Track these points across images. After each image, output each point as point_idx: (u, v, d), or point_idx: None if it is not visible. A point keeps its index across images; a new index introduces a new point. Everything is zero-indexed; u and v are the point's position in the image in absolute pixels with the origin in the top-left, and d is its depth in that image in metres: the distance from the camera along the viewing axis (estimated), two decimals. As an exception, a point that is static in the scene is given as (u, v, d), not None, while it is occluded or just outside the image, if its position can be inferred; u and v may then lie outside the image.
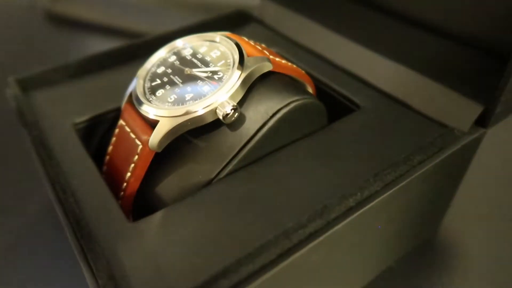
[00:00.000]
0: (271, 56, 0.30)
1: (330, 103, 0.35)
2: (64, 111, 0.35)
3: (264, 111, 0.29)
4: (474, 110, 0.30)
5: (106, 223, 0.25)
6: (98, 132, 0.35)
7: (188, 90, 0.28)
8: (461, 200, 0.38)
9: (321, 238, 0.24)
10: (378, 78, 0.35)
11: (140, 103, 0.28)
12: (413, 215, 0.32)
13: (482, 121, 0.30)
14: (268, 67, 0.29)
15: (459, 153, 0.30)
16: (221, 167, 0.28)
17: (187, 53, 0.31)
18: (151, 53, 0.32)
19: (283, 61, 0.32)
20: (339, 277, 0.31)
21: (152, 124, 0.28)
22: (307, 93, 0.31)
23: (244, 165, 0.28)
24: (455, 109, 0.31)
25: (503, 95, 0.29)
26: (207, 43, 0.31)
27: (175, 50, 0.32)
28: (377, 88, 0.35)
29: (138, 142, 0.28)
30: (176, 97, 0.28)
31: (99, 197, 0.27)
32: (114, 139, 0.31)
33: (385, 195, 0.26)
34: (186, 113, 0.27)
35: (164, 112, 0.27)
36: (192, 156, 0.29)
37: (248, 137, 0.28)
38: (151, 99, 0.29)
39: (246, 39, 0.32)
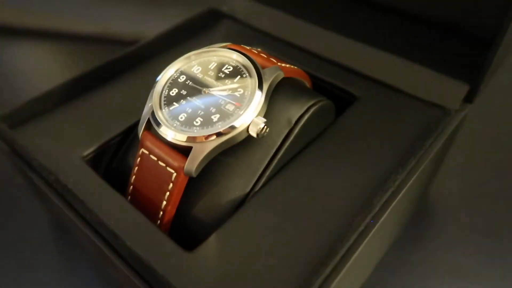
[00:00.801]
0: (274, 61, 0.31)
1: (328, 97, 0.37)
2: (66, 144, 0.33)
3: (286, 120, 0.30)
4: (461, 88, 0.34)
5: (165, 258, 0.25)
6: (104, 161, 0.34)
7: (213, 111, 0.28)
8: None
9: (372, 232, 0.26)
10: (366, 67, 0.38)
11: (165, 130, 0.28)
12: (420, 190, 0.36)
13: (468, 98, 0.34)
14: (281, 76, 0.30)
15: (455, 130, 0.34)
16: (255, 180, 0.29)
17: (196, 71, 0.31)
18: (135, 69, 0.32)
19: (283, 64, 0.33)
20: (370, 260, 0.34)
21: (180, 149, 0.28)
22: (317, 94, 0.32)
23: (274, 174, 0.30)
24: (444, 89, 0.35)
25: (487, 73, 0.32)
26: (214, 58, 0.31)
27: (182, 69, 0.31)
28: (367, 77, 0.37)
29: (171, 170, 0.28)
30: (202, 119, 0.28)
31: (145, 233, 0.27)
32: (136, 168, 0.30)
33: (411, 181, 0.29)
34: (219, 135, 0.27)
35: (195, 137, 0.27)
36: (223, 173, 0.29)
37: (275, 147, 0.29)
38: (175, 124, 0.28)
39: (247, 47, 0.32)
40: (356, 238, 0.26)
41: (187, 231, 0.29)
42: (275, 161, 0.29)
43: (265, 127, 0.27)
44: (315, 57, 0.40)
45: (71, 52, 0.64)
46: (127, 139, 0.34)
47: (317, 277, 0.23)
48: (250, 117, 0.27)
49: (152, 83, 0.31)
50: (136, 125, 0.34)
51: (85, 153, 0.32)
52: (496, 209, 0.40)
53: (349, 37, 0.40)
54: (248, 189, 0.29)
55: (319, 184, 0.29)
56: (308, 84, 0.35)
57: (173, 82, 0.31)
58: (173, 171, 0.28)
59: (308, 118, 0.30)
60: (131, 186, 0.31)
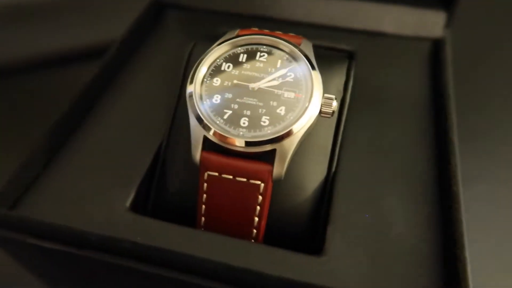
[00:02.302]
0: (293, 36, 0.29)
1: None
2: (97, 202, 0.27)
3: (336, 90, 0.29)
4: (441, 17, 0.37)
5: (307, 272, 0.23)
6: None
7: (275, 105, 0.25)
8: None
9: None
10: (347, 21, 0.38)
11: (236, 141, 0.24)
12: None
13: (447, 24, 0.37)
14: (312, 48, 0.28)
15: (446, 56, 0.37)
16: (328, 160, 0.28)
17: (227, 68, 0.27)
18: (110, 90, 0.29)
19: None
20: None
21: (253, 157, 0.25)
22: (338, 56, 0.32)
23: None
24: (425, 21, 0.37)
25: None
26: (239, 49, 0.27)
27: (211, 71, 0.27)
28: (352, 30, 0.38)
29: (257, 182, 0.25)
30: (269, 118, 0.25)
31: (261, 256, 0.24)
32: (205, 196, 0.26)
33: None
34: (298, 128, 0.25)
35: (275, 137, 0.24)
36: (295, 163, 0.27)
37: (335, 121, 0.28)
38: (241, 133, 0.25)
39: (257, 30, 0.29)
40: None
41: (280, 235, 0.27)
42: (340, 135, 0.28)
43: (335, 100, 0.26)
44: (289, 24, 0.39)
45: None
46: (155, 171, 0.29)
47: None
48: (318, 99, 0.26)
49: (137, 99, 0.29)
50: (159, 149, 0.30)
51: (128, 202, 0.27)
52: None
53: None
54: (325, 173, 0.28)
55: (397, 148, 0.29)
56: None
57: (212, 88, 0.26)
58: (259, 182, 0.25)
59: (351, 84, 0.29)
60: (203, 218, 0.27)
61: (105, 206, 0.27)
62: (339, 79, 0.29)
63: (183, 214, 0.28)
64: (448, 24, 0.37)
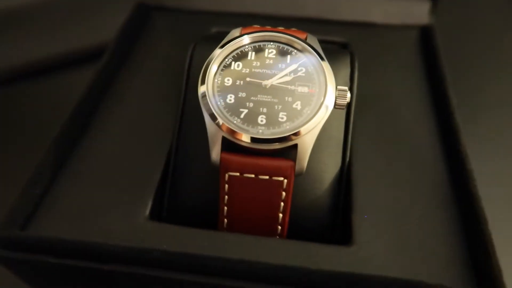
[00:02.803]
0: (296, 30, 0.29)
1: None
2: (115, 212, 0.26)
3: (342, 81, 0.29)
4: (426, 5, 0.38)
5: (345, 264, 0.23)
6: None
7: (291, 101, 0.25)
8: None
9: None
10: (336, 14, 0.39)
11: (259, 141, 0.24)
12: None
13: (432, 11, 0.38)
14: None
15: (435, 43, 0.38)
16: (341, 151, 0.28)
17: (237, 67, 0.27)
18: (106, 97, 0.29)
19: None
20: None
21: (271, 154, 0.25)
22: (338, 49, 0.32)
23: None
24: (412, 10, 0.38)
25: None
26: (247, 47, 0.27)
27: (221, 70, 0.27)
28: (341, 22, 0.38)
29: (279, 178, 0.25)
30: (286, 113, 0.25)
31: (300, 253, 0.24)
32: (226, 197, 0.26)
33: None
34: (316, 122, 0.25)
35: (294, 133, 0.24)
36: (312, 159, 0.27)
37: (345, 111, 0.29)
38: (260, 130, 0.25)
39: (259, 26, 0.29)
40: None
41: (302, 230, 0.27)
42: (351, 125, 0.29)
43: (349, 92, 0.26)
44: (279, 19, 0.39)
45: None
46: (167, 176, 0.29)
47: None
48: (332, 92, 0.26)
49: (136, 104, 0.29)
50: (169, 154, 0.29)
51: (147, 211, 0.26)
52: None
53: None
54: (340, 163, 0.28)
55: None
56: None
57: (224, 88, 0.26)
58: (282, 178, 0.25)
59: (357, 74, 0.30)
60: (225, 219, 0.26)
61: (123, 217, 0.26)
62: (344, 71, 0.29)
63: (200, 218, 0.28)
64: (433, 11, 0.38)
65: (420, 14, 0.38)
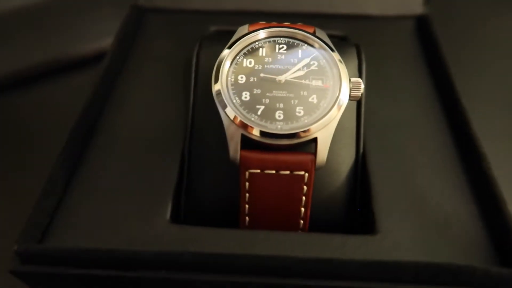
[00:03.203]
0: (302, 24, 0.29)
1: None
2: (136, 217, 0.25)
3: (351, 72, 0.29)
4: (419, -5, 0.39)
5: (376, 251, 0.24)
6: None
7: (306, 95, 0.25)
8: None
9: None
10: (332, 7, 0.39)
11: (279, 136, 0.24)
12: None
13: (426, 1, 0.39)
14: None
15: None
16: (355, 142, 0.29)
17: (249, 64, 0.27)
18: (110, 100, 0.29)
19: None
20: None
21: (291, 148, 0.25)
22: (340, 42, 0.32)
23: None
24: (407, 1, 0.39)
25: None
26: (257, 43, 0.27)
27: (233, 68, 0.26)
28: (337, 16, 0.39)
29: (300, 173, 0.25)
30: (303, 107, 0.25)
31: (327, 244, 0.24)
32: (247, 195, 0.25)
33: None
34: (334, 115, 0.25)
35: (314, 127, 0.24)
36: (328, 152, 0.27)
37: (356, 103, 0.29)
38: (279, 126, 0.25)
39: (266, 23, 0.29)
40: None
41: (323, 222, 0.27)
42: (362, 116, 0.29)
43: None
44: (277, 15, 0.39)
45: None
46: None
47: None
48: (346, 84, 0.26)
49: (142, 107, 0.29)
50: (182, 156, 0.29)
51: (167, 215, 0.26)
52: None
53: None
54: (354, 154, 0.28)
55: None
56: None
57: (238, 86, 0.26)
58: (303, 172, 0.25)
59: (365, 66, 0.30)
60: (247, 217, 0.26)
61: (143, 222, 0.25)
62: (353, 63, 0.30)
63: (219, 217, 0.28)
64: (427, 1, 0.39)
65: (414, 4, 0.39)
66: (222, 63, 0.26)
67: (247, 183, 0.25)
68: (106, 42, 0.38)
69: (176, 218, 0.28)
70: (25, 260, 0.23)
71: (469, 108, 0.29)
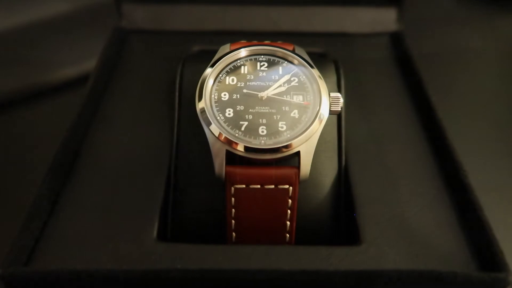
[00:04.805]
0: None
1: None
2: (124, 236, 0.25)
3: (331, 86, 0.30)
4: (392, 13, 0.40)
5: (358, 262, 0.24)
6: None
7: (288, 110, 0.26)
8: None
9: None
10: (310, 25, 0.40)
11: (263, 151, 0.25)
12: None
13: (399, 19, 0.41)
14: None
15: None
16: (337, 153, 0.29)
17: (232, 81, 0.27)
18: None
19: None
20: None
21: (277, 163, 0.26)
22: (318, 59, 0.33)
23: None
24: (380, 18, 0.40)
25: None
26: (239, 61, 0.28)
27: (217, 86, 0.27)
28: (315, 33, 0.40)
29: (285, 186, 0.25)
30: (285, 122, 0.26)
31: (314, 258, 0.24)
32: (233, 210, 0.26)
33: None
34: (316, 127, 0.26)
35: (296, 141, 0.25)
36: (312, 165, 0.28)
37: (336, 117, 0.30)
38: (262, 141, 0.25)
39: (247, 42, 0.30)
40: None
41: (308, 234, 0.28)
42: (343, 129, 0.30)
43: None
44: (256, 34, 0.40)
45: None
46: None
47: None
48: (326, 99, 0.27)
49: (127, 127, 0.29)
50: (169, 173, 0.29)
51: (154, 233, 0.26)
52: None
53: (271, 4, 0.41)
54: (337, 166, 0.29)
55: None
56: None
57: (221, 103, 0.26)
58: (287, 186, 0.25)
59: (343, 81, 0.31)
60: (233, 233, 0.26)
61: (130, 241, 0.25)
62: (332, 78, 0.31)
63: (205, 233, 0.28)
64: (400, 18, 0.40)
65: (388, 21, 0.40)
66: (205, 81, 0.27)
67: (233, 199, 0.26)
68: (89, 64, 0.38)
69: (163, 235, 0.28)
70: (10, 284, 0.23)
71: (444, 119, 0.31)
